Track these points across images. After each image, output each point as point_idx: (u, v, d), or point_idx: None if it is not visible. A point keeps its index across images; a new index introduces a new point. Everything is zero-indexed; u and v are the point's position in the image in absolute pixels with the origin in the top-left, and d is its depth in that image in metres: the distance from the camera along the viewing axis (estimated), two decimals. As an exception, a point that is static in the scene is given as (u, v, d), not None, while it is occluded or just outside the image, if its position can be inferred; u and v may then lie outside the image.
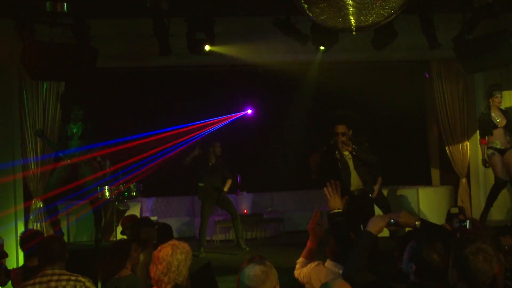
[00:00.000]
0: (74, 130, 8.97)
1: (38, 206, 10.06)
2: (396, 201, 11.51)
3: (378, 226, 3.84)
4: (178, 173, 12.90)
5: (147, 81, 12.71)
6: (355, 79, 12.99)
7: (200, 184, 10.80)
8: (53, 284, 4.30)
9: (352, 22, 5.26)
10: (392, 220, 3.88)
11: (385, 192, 10.89)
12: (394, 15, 5.23)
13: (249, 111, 14.14)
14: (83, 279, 4.37)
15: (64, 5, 7.83)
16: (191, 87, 13.03)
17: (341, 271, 4.41)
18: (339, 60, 11.01)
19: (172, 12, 8.52)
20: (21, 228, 9.59)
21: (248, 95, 13.69)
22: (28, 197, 10.12)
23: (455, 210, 7.48)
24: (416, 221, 3.86)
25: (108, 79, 11.53)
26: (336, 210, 4.19)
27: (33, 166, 10.02)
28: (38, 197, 10.04)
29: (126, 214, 10.32)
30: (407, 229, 4.09)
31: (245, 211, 12.85)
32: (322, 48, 9.42)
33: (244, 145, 13.48)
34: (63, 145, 9.24)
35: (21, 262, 8.69)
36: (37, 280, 4.33)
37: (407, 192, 11.72)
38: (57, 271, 4.36)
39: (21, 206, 9.97)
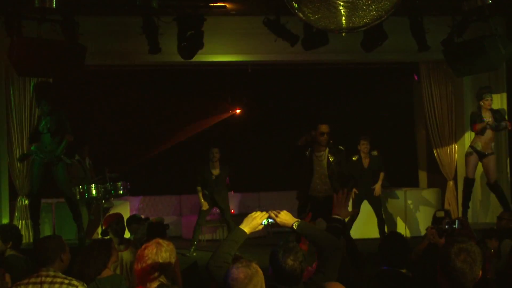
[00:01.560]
0: (45, 124, 8.87)
1: (23, 203, 9.99)
2: (383, 203, 11.53)
3: (253, 224, 3.81)
4: (166, 172, 12.88)
5: (136, 80, 12.65)
6: (344, 80, 13.02)
7: (205, 192, 10.64)
8: (46, 286, 4.23)
9: (343, 23, 5.25)
10: (270, 220, 3.84)
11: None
12: (384, 17, 5.22)
13: (238, 111, 14.12)
14: (76, 283, 4.30)
15: (53, 1, 7.77)
16: (180, 86, 12.99)
17: None
18: (329, 61, 11.01)
19: (162, 11, 8.49)
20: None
21: (237, 95, 13.67)
22: (13, 194, 10.06)
23: (440, 213, 7.49)
24: (294, 223, 3.81)
25: (96, 76, 11.48)
26: (337, 216, 4.12)
27: (18, 164, 9.94)
28: (23, 194, 9.97)
29: (110, 212, 10.30)
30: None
31: (232, 211, 12.81)
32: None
33: (232, 144, 13.45)
34: (33, 138, 9.12)
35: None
36: (31, 280, 4.27)
37: (395, 194, 11.74)
38: (51, 273, 4.29)
39: (6, 204, 9.89)
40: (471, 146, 10.08)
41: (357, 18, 5.11)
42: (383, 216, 10.70)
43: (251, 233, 3.88)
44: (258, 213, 3.90)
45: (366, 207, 10.63)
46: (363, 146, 10.55)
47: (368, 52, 9.57)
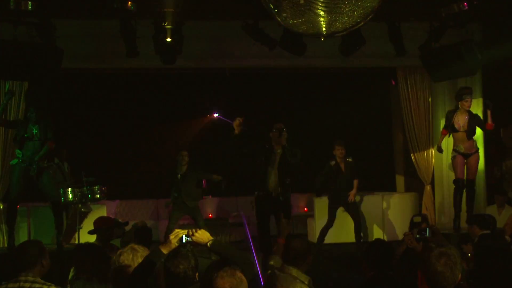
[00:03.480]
0: (34, 131, 8.82)
1: (-2, 208, 9.88)
2: (361, 206, 11.55)
3: (168, 244, 3.87)
4: (143, 176, 12.80)
5: (113, 83, 12.56)
6: (321, 85, 13.06)
7: (174, 194, 10.67)
8: None
9: (322, 28, 5.25)
10: (187, 237, 3.87)
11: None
12: (363, 22, 5.24)
13: (216, 115, 14.08)
14: None
15: (29, 4, 7.69)
16: (158, 90, 12.92)
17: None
18: (307, 65, 11.02)
19: (139, 14, 8.44)
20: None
21: (215, 99, 13.63)
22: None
23: (417, 219, 7.53)
24: (209, 241, 3.83)
25: (73, 80, 11.39)
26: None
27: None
28: (-1, 199, 9.85)
29: (88, 216, 10.20)
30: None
31: (210, 215, 12.79)
32: None
33: (211, 149, 13.40)
34: (18, 142, 9.03)
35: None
36: (9, 285, 4.22)
37: (372, 199, 11.76)
38: (30, 278, 4.24)
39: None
40: (454, 150, 10.12)
41: (336, 23, 5.13)
42: (361, 221, 10.71)
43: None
44: (176, 231, 3.94)
45: (341, 212, 10.61)
46: (339, 152, 10.45)
47: (346, 56, 9.61)
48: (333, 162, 10.47)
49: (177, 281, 3.64)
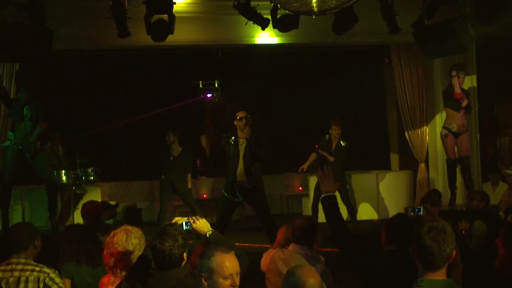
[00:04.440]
0: (25, 112, 8.77)
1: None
2: (355, 186, 11.58)
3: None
4: (137, 157, 12.77)
5: (104, 64, 12.49)
6: (314, 63, 13.01)
7: (162, 177, 10.73)
8: (16, 273, 4.19)
9: (314, 6, 5.22)
10: (188, 224, 3.99)
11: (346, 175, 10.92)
12: (354, 0, 5.20)
13: (209, 95, 14.02)
14: (47, 270, 4.26)
15: (17, -16, 7.61)
16: (150, 70, 12.86)
17: (309, 253, 4.46)
18: (300, 44, 10.99)
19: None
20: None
21: (208, 79, 13.56)
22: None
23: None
24: (208, 232, 3.99)
25: (64, 61, 11.31)
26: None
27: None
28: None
29: (83, 198, 10.19)
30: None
31: (204, 195, 12.80)
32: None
33: (203, 129, 13.38)
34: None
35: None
36: (1, 268, 4.22)
37: (366, 177, 11.80)
38: (22, 260, 4.25)
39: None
40: (445, 128, 10.06)
41: (329, 1, 5.10)
42: (350, 200, 10.69)
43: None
44: (176, 219, 4.06)
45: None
46: (335, 132, 10.52)
47: (339, 34, 9.52)
48: (327, 136, 10.51)
49: (163, 258, 3.67)
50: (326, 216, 4.26)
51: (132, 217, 6.55)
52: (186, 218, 4.03)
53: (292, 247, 4.69)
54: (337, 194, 9.37)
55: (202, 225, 4.01)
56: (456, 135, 10.00)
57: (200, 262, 3.46)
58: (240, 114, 8.46)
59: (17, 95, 8.83)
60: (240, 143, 8.47)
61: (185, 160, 10.70)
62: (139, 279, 3.73)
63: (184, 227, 3.98)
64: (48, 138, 10.25)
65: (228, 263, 3.39)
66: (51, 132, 10.30)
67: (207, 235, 4.00)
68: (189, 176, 10.90)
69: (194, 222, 4.00)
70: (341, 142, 10.50)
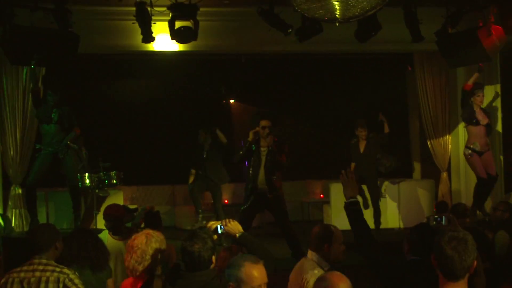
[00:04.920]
0: (52, 115, 8.84)
1: (17, 192, 9.97)
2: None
3: None
4: (159, 162, 12.85)
5: (129, 68, 12.61)
6: (338, 70, 13.01)
7: (198, 172, 10.95)
8: (37, 274, 4.26)
9: (337, 13, 5.24)
10: (222, 228, 4.16)
11: (365, 185, 10.88)
12: (378, 7, 5.22)
13: (232, 101, 14.09)
14: (67, 271, 4.32)
15: (45, -11, 7.74)
16: (174, 75, 12.94)
17: (315, 260, 4.46)
18: (322, 51, 10.98)
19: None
20: (-1, 215, 9.52)
21: (231, 85, 13.64)
22: (6, 183, 10.03)
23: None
24: (237, 233, 4.15)
25: (89, 65, 11.44)
26: (352, 199, 4.19)
27: (12, 152, 9.92)
28: (17, 183, 9.95)
29: (105, 201, 10.27)
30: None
31: (226, 201, 12.83)
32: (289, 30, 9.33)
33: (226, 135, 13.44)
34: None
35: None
36: (23, 268, 4.30)
37: (388, 185, 11.74)
38: (44, 261, 4.32)
39: (-1, 192, 9.89)
40: (469, 148, 9.91)
41: (354, 8, 5.12)
42: (379, 206, 10.69)
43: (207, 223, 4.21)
44: (211, 222, 4.23)
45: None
46: (362, 133, 10.57)
47: (362, 42, 9.54)
48: (354, 140, 10.56)
49: (192, 260, 3.76)
50: (351, 223, 4.20)
51: (151, 220, 6.54)
52: (220, 222, 4.18)
53: (308, 254, 4.71)
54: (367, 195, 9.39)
55: (233, 226, 4.16)
56: (480, 154, 9.90)
57: (229, 271, 3.48)
58: (263, 123, 8.39)
59: (46, 97, 8.93)
60: (262, 151, 8.43)
61: (218, 155, 10.90)
62: (169, 279, 3.83)
63: (219, 231, 4.15)
64: (76, 141, 10.35)
65: (257, 274, 3.42)
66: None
67: (237, 236, 4.12)
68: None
69: (226, 224, 4.15)
70: (370, 135, 10.57)
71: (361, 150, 10.55)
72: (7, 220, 9.17)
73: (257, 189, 8.42)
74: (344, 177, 4.26)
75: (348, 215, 4.19)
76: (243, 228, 4.14)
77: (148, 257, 4.18)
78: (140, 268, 4.17)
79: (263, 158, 8.40)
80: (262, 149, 8.43)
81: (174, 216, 12.33)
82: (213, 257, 3.86)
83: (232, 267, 3.47)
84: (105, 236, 6.21)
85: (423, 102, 11.53)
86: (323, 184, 13.18)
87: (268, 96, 13.58)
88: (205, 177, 10.86)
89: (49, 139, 8.89)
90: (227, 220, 4.19)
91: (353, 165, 10.63)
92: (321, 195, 13.39)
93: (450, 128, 11.42)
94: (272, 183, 8.42)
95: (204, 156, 10.91)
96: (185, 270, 3.81)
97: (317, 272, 4.34)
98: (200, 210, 10.95)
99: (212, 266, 3.86)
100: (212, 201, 11.21)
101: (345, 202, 4.23)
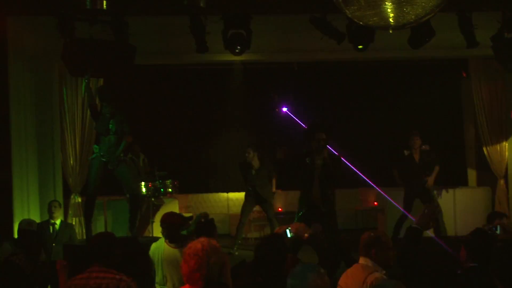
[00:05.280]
0: (110, 126, 8.94)
1: (76, 201, 10.22)
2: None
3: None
4: (214, 170, 12.98)
5: (184, 78, 12.80)
6: (390, 78, 12.92)
7: (249, 188, 10.79)
8: (98, 281, 4.34)
9: (390, 20, 5.24)
10: (291, 231, 4.45)
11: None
12: (433, 14, 5.19)
13: (285, 109, 14.12)
14: (126, 279, 4.41)
15: (103, 3, 7.93)
16: (227, 84, 13.07)
17: (370, 265, 4.47)
18: (376, 58, 10.92)
19: (209, 10, 8.56)
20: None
21: (284, 93, 13.67)
22: (67, 192, 10.28)
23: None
24: (306, 234, 4.47)
25: (145, 75, 11.65)
26: (416, 226, 4.14)
27: (72, 162, 10.18)
28: (76, 192, 10.19)
29: (161, 210, 10.44)
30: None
31: (279, 209, 12.86)
32: (360, 47, 9.31)
33: (279, 143, 13.47)
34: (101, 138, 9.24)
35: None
36: (84, 275, 4.40)
37: (443, 193, 11.58)
38: (104, 268, 4.42)
39: (60, 201, 10.10)
40: None
41: (408, 15, 5.10)
42: (437, 215, 10.53)
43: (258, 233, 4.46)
44: (280, 227, 4.55)
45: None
46: (415, 142, 10.36)
47: (415, 49, 9.46)
48: (407, 152, 10.39)
49: (265, 266, 3.91)
50: (405, 240, 4.19)
51: (205, 228, 6.57)
52: (287, 226, 4.45)
53: (360, 260, 4.71)
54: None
55: (301, 229, 4.47)
56: None
57: (293, 281, 3.45)
58: (319, 136, 8.17)
59: (102, 109, 9.00)
60: (316, 165, 8.22)
61: (265, 172, 10.79)
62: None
63: (288, 234, 4.41)
64: (129, 149, 10.51)
65: (320, 283, 3.41)
66: (132, 144, 10.57)
67: (305, 236, 4.38)
68: (273, 180, 11.01)
69: (294, 228, 4.43)
70: (423, 147, 10.38)
71: (416, 160, 10.35)
72: (71, 227, 9.36)
73: (311, 203, 8.25)
74: (426, 211, 4.22)
75: (408, 233, 4.16)
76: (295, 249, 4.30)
77: (204, 264, 4.22)
78: (197, 276, 4.22)
79: (317, 172, 8.19)
80: (316, 162, 8.21)
81: (229, 224, 12.42)
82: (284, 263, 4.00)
83: (295, 278, 3.43)
84: (162, 244, 6.28)
85: (478, 108, 11.36)
86: (377, 192, 13.10)
87: (320, 104, 13.55)
88: (255, 193, 10.69)
89: (106, 148, 8.97)
90: (294, 224, 4.49)
91: (396, 172, 10.50)
92: (375, 202, 13.29)
93: (507, 134, 11.22)
94: (327, 197, 8.24)
95: (253, 173, 10.76)
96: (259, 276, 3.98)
97: (379, 275, 4.35)
98: (238, 241, 10.53)
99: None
100: (265, 213, 11.12)
101: (411, 226, 4.18)
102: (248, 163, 10.76)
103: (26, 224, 7.59)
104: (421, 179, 10.32)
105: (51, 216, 8.97)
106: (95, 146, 9.10)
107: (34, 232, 6.99)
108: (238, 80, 12.69)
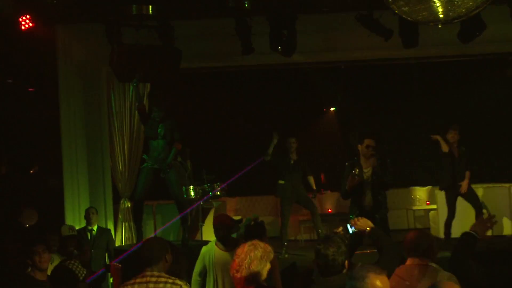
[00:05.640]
0: (159, 130, 8.94)
1: (126, 206, 10.30)
2: (487, 198, 11.08)
3: None
4: (262, 172, 12.94)
5: (230, 81, 12.80)
6: (440, 74, 12.69)
7: (281, 182, 10.53)
8: (151, 285, 4.34)
9: (440, 14, 5.09)
10: (352, 227, 4.56)
11: (475, 189, 10.45)
12: (484, 6, 5.02)
13: (332, 109, 14.01)
14: (180, 282, 4.38)
15: (149, 8, 8.00)
16: (274, 85, 13.02)
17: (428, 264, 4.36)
18: (425, 55, 10.67)
19: (254, 11, 8.53)
20: (110, 228, 9.84)
21: (331, 92, 13.56)
22: (116, 197, 10.38)
23: None
24: (368, 228, 4.50)
25: (191, 79, 11.68)
26: (473, 232, 4.26)
27: (121, 167, 10.26)
28: (126, 197, 10.27)
29: (210, 213, 10.45)
30: None
31: (329, 210, 12.73)
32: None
33: (327, 143, 13.37)
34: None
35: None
36: (137, 280, 4.40)
37: (498, 190, 11.27)
38: (156, 273, 4.41)
39: (110, 206, 10.22)
40: None
41: (459, 8, 4.95)
42: (482, 208, 10.13)
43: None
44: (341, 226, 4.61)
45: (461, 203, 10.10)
46: (451, 136, 9.94)
47: (465, 43, 9.23)
48: (446, 149, 9.97)
49: (326, 263, 3.87)
50: (458, 245, 4.23)
51: (254, 231, 6.49)
52: (349, 222, 4.57)
53: (408, 261, 4.57)
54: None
55: (363, 223, 4.53)
56: None
57: (352, 283, 3.37)
58: (368, 142, 7.67)
59: (151, 113, 9.01)
60: (365, 172, 7.77)
61: (303, 166, 10.55)
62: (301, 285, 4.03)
63: (350, 230, 4.53)
64: (179, 153, 10.51)
65: (381, 284, 3.33)
66: (182, 147, 10.56)
67: (367, 230, 4.46)
68: (312, 178, 10.75)
69: (355, 223, 4.51)
70: (462, 148, 9.95)
71: (456, 155, 9.92)
72: (108, 233, 9.47)
73: (363, 209, 7.81)
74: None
75: (461, 239, 4.24)
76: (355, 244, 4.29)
77: (245, 265, 4.17)
78: (238, 276, 4.17)
79: (368, 179, 7.76)
80: (365, 170, 7.77)
81: (278, 227, 12.35)
82: (346, 262, 3.95)
83: (355, 279, 3.36)
84: (212, 248, 6.26)
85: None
86: (429, 191, 12.84)
87: (369, 103, 13.40)
88: (293, 188, 10.35)
89: (156, 154, 8.95)
90: (356, 219, 4.53)
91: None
92: (427, 202, 13.03)
93: None
94: (380, 203, 7.87)
95: (292, 163, 10.38)
96: (320, 275, 3.91)
97: (443, 273, 4.25)
98: (285, 244, 10.26)
99: (344, 271, 3.92)
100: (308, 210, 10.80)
101: (466, 232, 4.25)
102: (286, 152, 10.41)
103: (69, 229, 7.69)
104: (462, 176, 9.83)
105: (89, 223, 9.12)
106: (145, 155, 9.14)
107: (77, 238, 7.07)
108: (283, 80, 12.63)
